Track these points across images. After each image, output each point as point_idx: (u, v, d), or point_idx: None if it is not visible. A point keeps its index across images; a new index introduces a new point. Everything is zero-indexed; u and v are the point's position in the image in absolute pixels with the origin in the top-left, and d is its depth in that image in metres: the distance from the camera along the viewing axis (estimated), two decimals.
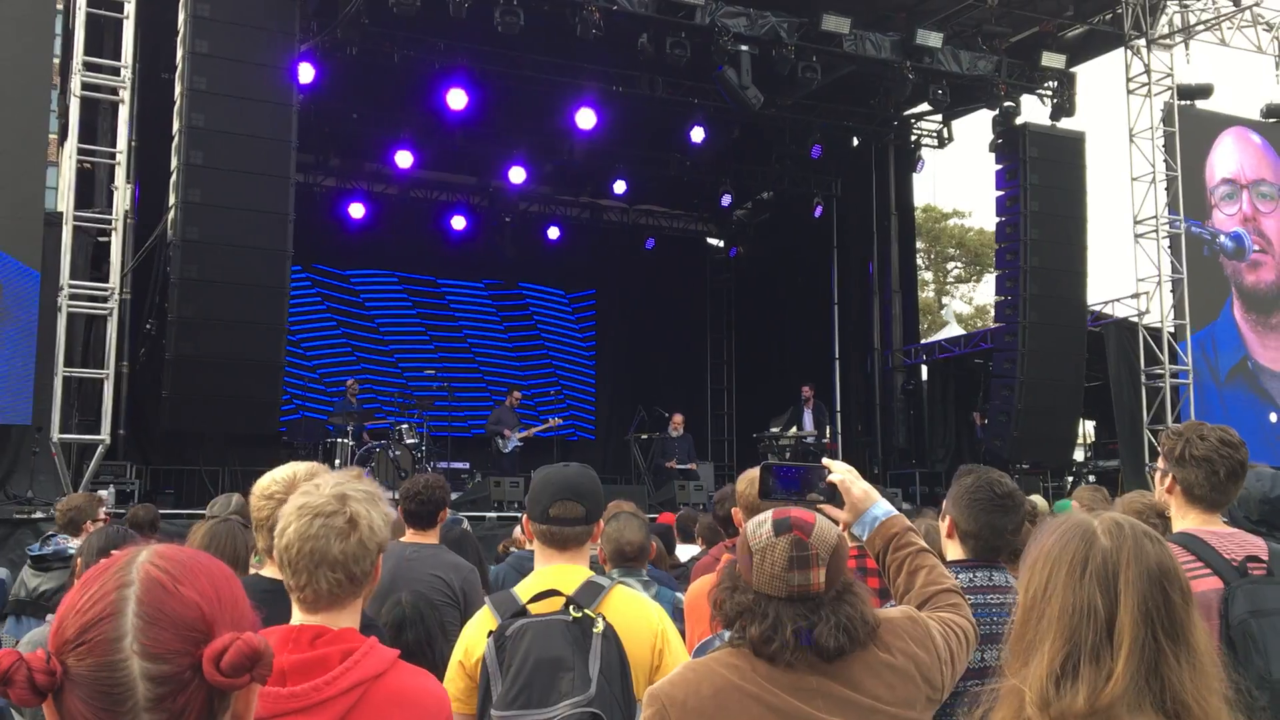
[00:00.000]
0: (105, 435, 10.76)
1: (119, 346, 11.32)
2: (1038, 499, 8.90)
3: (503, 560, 6.57)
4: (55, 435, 10.45)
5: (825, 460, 2.52)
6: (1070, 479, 16.20)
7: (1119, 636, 1.51)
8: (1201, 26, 15.88)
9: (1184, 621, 1.54)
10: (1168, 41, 15.73)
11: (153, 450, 13.92)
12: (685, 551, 6.70)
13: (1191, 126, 15.82)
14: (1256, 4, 16.16)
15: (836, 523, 2.28)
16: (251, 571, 4.06)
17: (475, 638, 2.84)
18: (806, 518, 2.06)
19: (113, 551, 1.37)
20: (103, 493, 10.18)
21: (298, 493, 2.13)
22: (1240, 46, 16.42)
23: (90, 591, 1.24)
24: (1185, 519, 2.95)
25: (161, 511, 9.62)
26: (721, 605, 2.06)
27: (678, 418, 15.75)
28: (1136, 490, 4.86)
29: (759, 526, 2.06)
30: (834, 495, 2.46)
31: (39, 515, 9.81)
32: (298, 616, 2.09)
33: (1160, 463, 3.07)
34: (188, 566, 1.29)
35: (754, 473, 3.04)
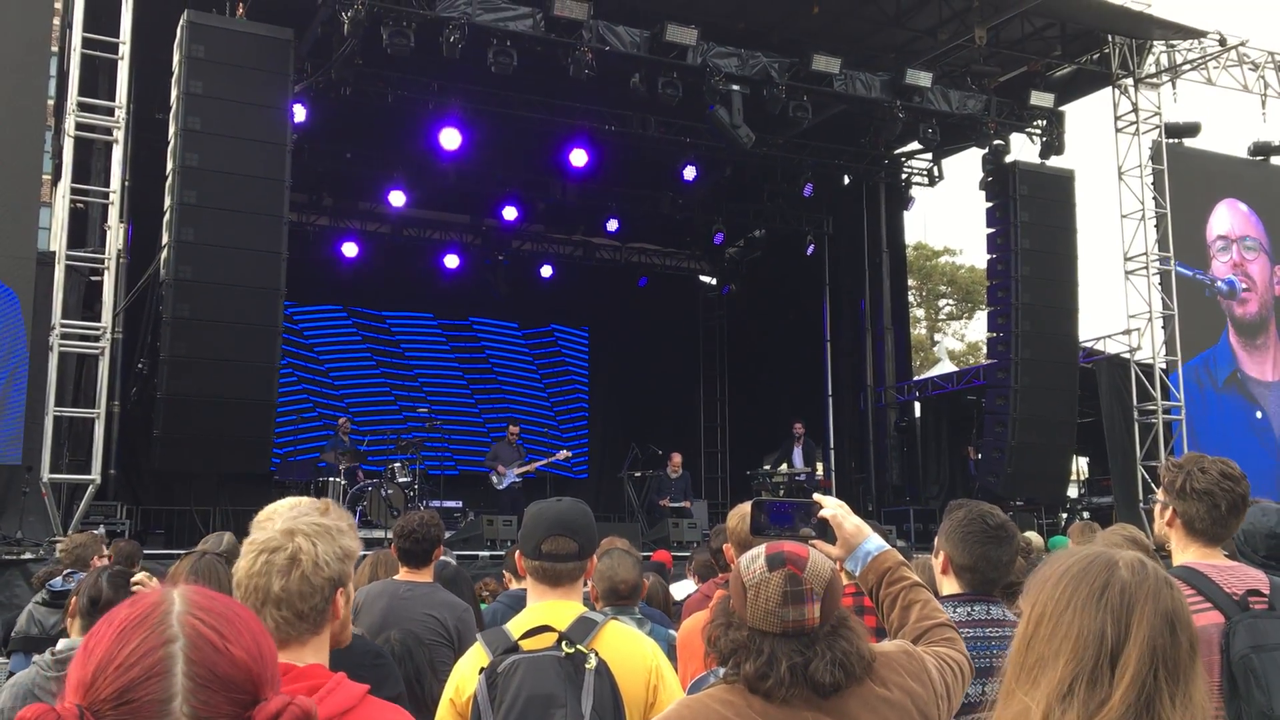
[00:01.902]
0: (95, 475, 10.69)
1: (110, 386, 11.28)
2: (1033, 535, 8.87)
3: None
4: (45, 475, 10.38)
5: (816, 495, 2.50)
6: (1064, 515, 16.17)
7: (1123, 668, 1.50)
8: (1188, 66, 16.06)
9: (1187, 667, 1.53)
10: (1155, 81, 15.90)
11: (143, 490, 13.85)
12: (680, 589, 6.66)
13: (1182, 166, 15.99)
14: (1242, 44, 16.36)
15: (829, 558, 2.26)
16: None
17: (467, 675, 2.81)
18: (800, 552, 2.04)
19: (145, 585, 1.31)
20: (94, 532, 10.12)
21: (255, 526, 2.07)
22: (1227, 85, 16.60)
23: (131, 646, 1.17)
24: (1186, 552, 2.93)
25: (152, 552, 9.57)
26: (716, 641, 2.03)
27: (676, 457, 15.71)
28: (1117, 524, 4.84)
29: (752, 562, 2.04)
30: (825, 530, 2.44)
31: (28, 556, 9.72)
32: None
33: (1161, 495, 3.05)
34: (232, 622, 1.24)
35: (745, 508, 3.02)
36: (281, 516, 2.07)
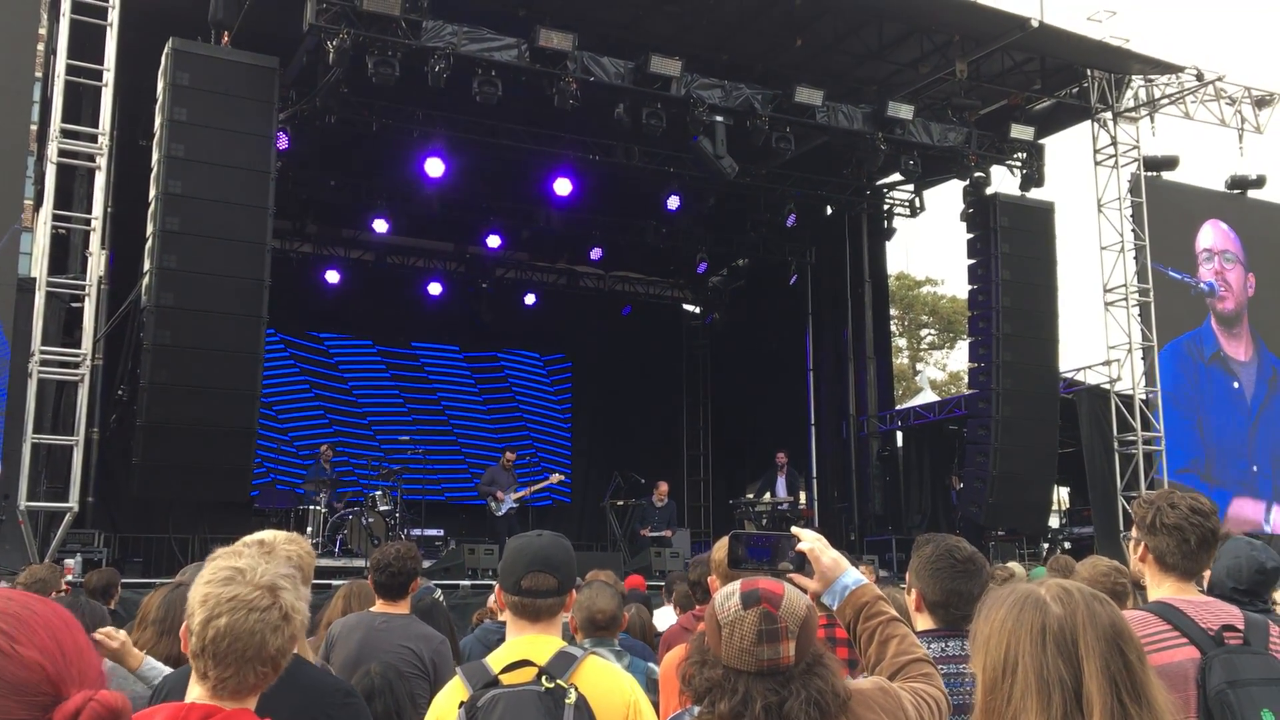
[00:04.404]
0: (73, 503, 10.59)
1: (90, 413, 11.20)
2: (1015, 566, 8.90)
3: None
4: (22, 503, 10.28)
5: (794, 529, 2.50)
6: (1046, 546, 16.20)
7: (1088, 705, 1.51)
8: (1166, 100, 16.25)
9: (1143, 681, 1.56)
10: (1133, 115, 16.09)
11: (122, 518, 13.74)
12: (663, 618, 6.64)
13: (1161, 199, 16.23)
14: (1219, 79, 16.57)
15: (806, 592, 2.27)
16: None
17: (446, 709, 2.79)
18: (775, 589, 2.03)
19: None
20: (69, 561, 10.03)
21: (218, 576, 2.02)
22: (1204, 120, 16.81)
23: None
24: (1160, 588, 2.95)
25: (130, 580, 9.48)
26: (691, 680, 2.03)
27: (663, 486, 15.67)
28: (1091, 557, 4.87)
29: (727, 599, 2.03)
30: (803, 564, 2.44)
31: (3, 585, 9.61)
32: (198, 694, 2.00)
33: (1133, 531, 3.07)
34: (24, 621, 1.19)
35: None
36: (250, 564, 2.04)
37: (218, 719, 1.92)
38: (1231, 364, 16.69)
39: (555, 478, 16.04)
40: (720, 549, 3.81)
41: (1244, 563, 3.59)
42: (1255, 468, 16.48)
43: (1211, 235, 17.06)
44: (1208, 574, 3.72)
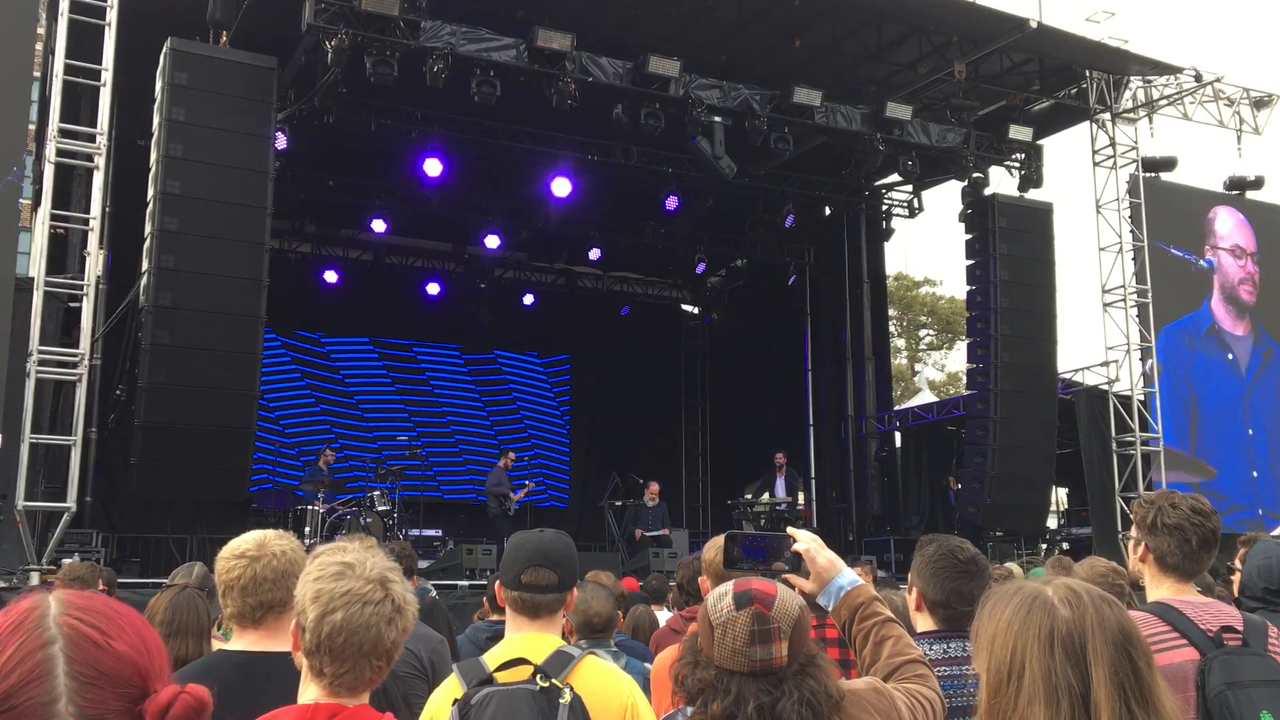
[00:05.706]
0: (71, 503, 10.56)
1: (88, 412, 11.17)
2: (1014, 566, 8.90)
3: None
4: (20, 503, 10.25)
5: (790, 529, 2.49)
6: (1044, 546, 16.20)
7: (1096, 712, 1.50)
8: (1164, 101, 16.25)
9: (1151, 686, 1.54)
10: (1132, 116, 16.09)
11: (119, 517, 13.70)
12: (663, 618, 6.63)
13: (1159, 199, 16.22)
14: (1217, 80, 16.57)
15: (802, 593, 2.26)
16: (214, 645, 3.99)
17: (440, 706, 2.79)
18: (768, 589, 2.03)
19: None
20: (66, 561, 10.01)
21: (328, 572, 2.02)
22: (1203, 121, 16.81)
23: (8, 653, 1.16)
24: (1160, 588, 2.95)
25: (128, 580, 9.48)
26: (683, 681, 2.02)
27: (653, 486, 15.68)
28: (1090, 558, 4.87)
29: (720, 600, 2.02)
30: (799, 564, 2.43)
31: (1, 585, 9.61)
32: (315, 694, 2.02)
33: (1133, 531, 3.07)
34: (113, 619, 1.23)
35: (720, 541, 3.01)
36: (357, 558, 2.05)
37: (342, 718, 1.95)
38: (1226, 336, 17.10)
39: (528, 486, 16.07)
40: (710, 550, 3.79)
41: (1275, 563, 3.60)
42: (1251, 431, 16.79)
43: (1230, 223, 17.36)
44: (1238, 577, 3.72)
